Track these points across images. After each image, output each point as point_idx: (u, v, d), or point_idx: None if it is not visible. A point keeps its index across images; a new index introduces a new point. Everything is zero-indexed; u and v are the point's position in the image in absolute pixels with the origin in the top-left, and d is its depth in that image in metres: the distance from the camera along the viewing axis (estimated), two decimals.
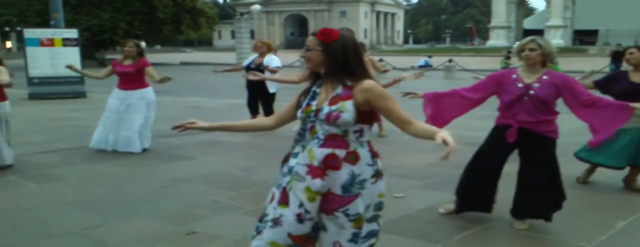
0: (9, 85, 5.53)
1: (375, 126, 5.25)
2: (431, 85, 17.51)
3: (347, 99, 2.27)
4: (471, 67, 21.89)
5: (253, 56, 8.38)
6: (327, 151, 2.29)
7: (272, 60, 8.10)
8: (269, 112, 8.35)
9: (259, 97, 8.38)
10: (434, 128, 2.27)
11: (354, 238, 2.35)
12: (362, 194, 2.32)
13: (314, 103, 2.34)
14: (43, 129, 8.59)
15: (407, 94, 3.91)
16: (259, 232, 2.44)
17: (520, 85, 3.73)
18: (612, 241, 3.74)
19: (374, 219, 2.41)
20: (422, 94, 3.91)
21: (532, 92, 3.68)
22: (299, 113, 2.38)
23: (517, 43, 3.87)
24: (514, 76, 3.78)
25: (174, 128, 2.56)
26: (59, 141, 7.52)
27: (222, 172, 5.68)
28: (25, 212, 4.38)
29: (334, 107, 2.27)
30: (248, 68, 8.21)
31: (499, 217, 4.15)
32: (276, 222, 2.34)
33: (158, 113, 7.12)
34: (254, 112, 8.56)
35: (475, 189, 3.98)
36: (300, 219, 2.30)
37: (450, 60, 21.94)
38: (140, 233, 3.86)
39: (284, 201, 2.34)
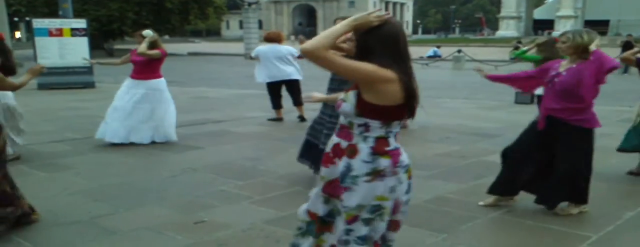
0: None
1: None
2: (440, 76, 17.53)
3: (353, 88, 2.26)
4: (480, 57, 21.78)
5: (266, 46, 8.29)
6: (336, 139, 2.33)
7: (266, 49, 8.04)
8: (297, 100, 8.25)
9: (283, 84, 8.27)
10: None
11: (347, 232, 2.29)
12: (354, 190, 2.24)
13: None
14: (52, 119, 8.66)
15: (480, 70, 4.32)
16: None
17: (553, 72, 3.86)
18: (618, 231, 3.74)
19: (366, 222, 2.28)
20: (486, 74, 4.33)
21: (556, 79, 3.80)
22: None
23: (554, 33, 4.02)
24: (557, 64, 3.93)
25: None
26: (69, 131, 7.58)
27: (230, 162, 5.72)
28: (34, 201, 4.39)
29: (342, 96, 2.31)
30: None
31: (505, 207, 4.15)
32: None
33: None
34: (277, 107, 8.47)
35: (506, 173, 4.13)
36: (316, 195, 2.47)
37: (459, 51, 21.80)
38: (148, 222, 3.90)
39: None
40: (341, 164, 2.28)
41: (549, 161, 3.96)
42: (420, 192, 4.50)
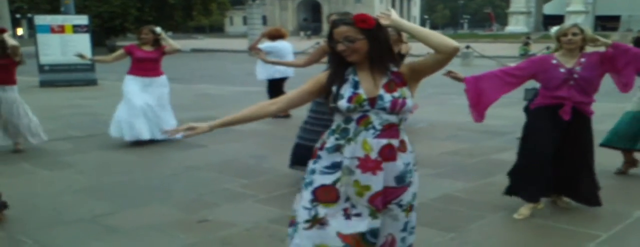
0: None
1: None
2: None
3: (403, 85, 2.18)
4: (489, 53, 21.65)
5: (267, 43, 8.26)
6: (384, 141, 2.16)
7: (281, 46, 8.00)
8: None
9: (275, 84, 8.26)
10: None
11: (405, 227, 2.30)
12: (412, 183, 2.27)
13: (362, 92, 2.15)
14: (55, 117, 8.62)
15: (449, 73, 3.84)
16: (291, 239, 2.26)
17: (562, 70, 3.73)
18: (628, 230, 3.68)
19: (415, 208, 2.35)
20: (463, 78, 3.85)
21: (576, 75, 3.71)
22: (343, 103, 2.13)
23: (556, 28, 3.83)
24: (554, 61, 3.78)
25: (164, 132, 2.38)
26: (71, 129, 7.54)
27: (234, 160, 5.67)
28: (38, 199, 4.39)
29: (396, 94, 2.15)
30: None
31: (513, 205, 4.09)
32: (321, 222, 2.17)
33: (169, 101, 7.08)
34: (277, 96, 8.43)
35: (530, 178, 3.91)
36: (346, 214, 2.17)
37: (467, 47, 21.65)
38: (151, 220, 3.86)
39: (330, 199, 2.18)
40: (400, 163, 2.21)
41: (561, 157, 3.89)
42: (427, 190, 4.45)
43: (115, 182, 4.88)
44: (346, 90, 2.16)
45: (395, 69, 2.20)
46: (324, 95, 2.24)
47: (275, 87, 8.23)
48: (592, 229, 3.67)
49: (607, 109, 7.56)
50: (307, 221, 2.18)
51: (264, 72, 8.12)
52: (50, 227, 3.76)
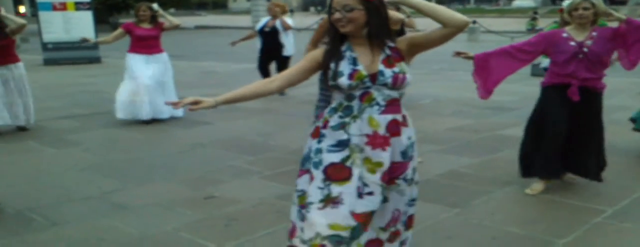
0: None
1: None
2: (454, 48, 17.09)
3: (401, 59, 2.15)
4: (496, 28, 21.42)
5: (266, 19, 8.24)
6: (389, 117, 2.14)
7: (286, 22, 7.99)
8: None
9: (274, 60, 8.27)
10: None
11: (410, 202, 2.30)
12: (414, 156, 2.26)
13: (361, 68, 2.11)
14: (60, 95, 8.63)
15: (458, 53, 3.81)
16: (303, 217, 2.19)
17: (572, 43, 3.69)
18: (633, 205, 3.68)
19: (416, 181, 2.33)
20: (473, 55, 3.80)
21: (585, 49, 3.66)
22: (344, 80, 2.09)
23: (567, 2, 3.75)
24: (565, 35, 3.74)
25: (168, 104, 2.27)
26: (76, 107, 7.55)
27: (240, 138, 5.67)
28: (45, 177, 4.42)
29: (396, 70, 2.12)
30: (261, 32, 8.09)
31: (518, 181, 4.10)
32: (334, 201, 2.12)
33: (174, 78, 7.05)
34: (266, 75, 8.46)
35: (548, 156, 3.87)
36: (359, 193, 2.14)
37: (474, 22, 21.37)
38: (159, 197, 3.88)
39: (343, 177, 2.13)
40: (404, 137, 2.19)
41: (569, 133, 3.87)
42: (433, 166, 4.46)
43: (122, 160, 4.90)
44: (345, 68, 2.11)
45: (392, 44, 2.17)
46: (322, 73, 2.19)
47: (284, 64, 8.24)
48: (598, 204, 3.67)
49: (619, 83, 7.51)
50: (321, 201, 2.14)
51: (291, 48, 8.10)
52: (59, 204, 3.79)
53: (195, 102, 2.15)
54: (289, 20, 8.07)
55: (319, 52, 2.21)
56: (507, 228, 3.30)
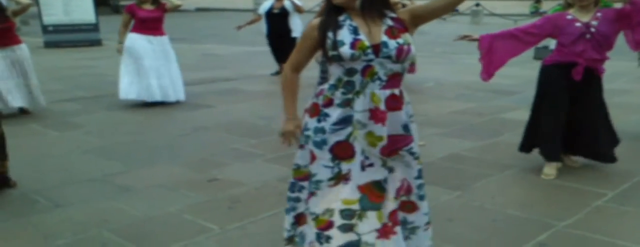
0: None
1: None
2: (457, 31, 17.00)
3: (405, 31, 2.10)
4: (499, 11, 21.24)
5: (270, 1, 8.17)
6: (388, 92, 2.09)
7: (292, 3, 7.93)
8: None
9: (282, 43, 8.16)
10: None
11: (420, 175, 2.27)
12: (414, 132, 2.23)
13: (363, 37, 2.03)
14: (61, 78, 8.63)
15: (464, 37, 3.80)
16: (311, 193, 2.20)
17: (578, 24, 3.68)
18: (634, 189, 3.70)
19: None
20: (479, 37, 3.79)
21: (592, 29, 3.66)
22: (346, 49, 2.01)
23: None
24: (569, 17, 3.73)
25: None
26: (78, 89, 7.55)
27: (242, 121, 5.68)
28: (48, 160, 4.45)
29: (401, 41, 2.04)
30: (269, 14, 8.02)
31: (519, 164, 4.12)
32: (345, 178, 2.15)
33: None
34: (281, 61, 8.39)
35: (549, 135, 3.90)
36: (362, 166, 2.15)
37: (477, 4, 21.20)
38: (162, 179, 3.90)
39: (348, 155, 2.14)
40: (403, 112, 2.16)
41: (573, 117, 3.88)
42: (435, 149, 4.48)
43: (125, 142, 4.92)
44: (345, 36, 2.03)
45: (393, 14, 2.11)
46: (321, 46, 2.12)
47: (293, 47, 8.22)
48: (599, 187, 3.69)
49: (619, 67, 7.47)
50: (331, 179, 2.15)
51: (300, 30, 8.06)
52: (63, 186, 3.82)
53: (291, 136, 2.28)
54: (297, 1, 8.00)
55: (313, 26, 2.14)
56: (508, 211, 3.33)
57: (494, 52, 3.77)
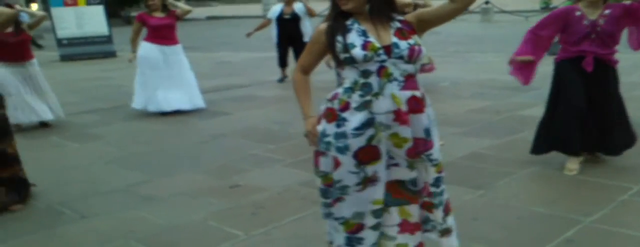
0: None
1: None
2: (467, 30, 17.07)
3: (414, 32, 2.11)
4: (510, 8, 21.11)
5: (279, 6, 8.19)
6: (408, 93, 2.07)
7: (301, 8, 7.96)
8: None
9: (291, 47, 8.22)
10: None
11: (437, 182, 2.21)
12: (436, 136, 2.20)
13: (372, 39, 2.04)
14: (78, 90, 8.72)
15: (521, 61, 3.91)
16: (337, 199, 2.18)
17: (585, 22, 3.68)
18: None
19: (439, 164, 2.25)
20: (533, 59, 3.89)
21: (598, 28, 3.66)
22: (358, 51, 2.01)
23: None
24: (578, 13, 3.71)
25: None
26: (95, 101, 7.63)
27: (258, 127, 5.70)
28: (71, 171, 4.50)
29: (411, 42, 2.05)
30: (279, 19, 8.04)
31: (541, 160, 4.08)
32: (372, 180, 2.14)
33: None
34: (283, 65, 8.47)
35: (568, 129, 3.84)
36: (387, 165, 2.15)
37: (487, 2, 21.06)
38: (184, 187, 3.93)
39: (374, 158, 2.11)
40: (424, 115, 2.14)
41: (588, 111, 3.84)
42: (455, 149, 4.46)
43: (145, 152, 4.96)
44: (355, 39, 2.04)
45: (401, 17, 2.12)
46: (330, 50, 2.13)
47: (286, 53, 8.27)
48: (623, 181, 3.65)
49: (636, 59, 7.39)
50: (358, 184, 2.14)
51: (310, 34, 8.10)
52: (87, 197, 3.86)
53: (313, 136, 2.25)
54: (299, 4, 8.03)
55: (321, 30, 2.15)
56: (533, 208, 3.30)
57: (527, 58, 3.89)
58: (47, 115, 6.02)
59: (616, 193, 3.46)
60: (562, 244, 2.82)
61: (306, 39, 7.97)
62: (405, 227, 2.24)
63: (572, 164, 3.88)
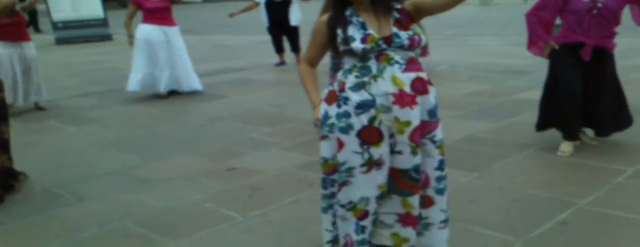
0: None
1: None
2: (466, 13, 17.02)
3: (413, 22, 2.11)
4: None
5: None
6: (412, 75, 2.08)
7: None
8: (296, 47, 8.22)
9: (283, 33, 8.20)
10: None
11: (440, 166, 2.21)
12: (440, 118, 2.19)
13: (372, 32, 2.05)
14: (74, 73, 8.70)
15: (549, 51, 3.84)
16: (343, 183, 2.17)
17: (585, 0, 3.64)
18: None
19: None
20: (556, 46, 3.80)
21: (600, 4, 3.61)
22: (358, 45, 2.03)
23: None
24: None
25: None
26: (92, 84, 7.61)
27: (256, 110, 5.70)
28: (68, 154, 4.51)
29: (411, 32, 2.07)
30: (270, 3, 7.97)
31: (536, 144, 4.10)
32: (378, 163, 2.12)
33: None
34: (280, 51, 8.43)
35: (566, 115, 3.87)
36: (392, 151, 2.14)
37: None
38: (181, 170, 3.94)
39: (376, 139, 2.10)
40: (431, 96, 2.15)
41: (586, 96, 3.85)
42: (451, 132, 4.45)
43: (142, 135, 4.97)
44: (355, 32, 2.05)
45: (399, 6, 2.12)
46: (331, 43, 2.14)
47: (295, 35, 8.21)
48: (618, 164, 3.67)
49: (633, 43, 7.38)
50: (363, 165, 2.13)
51: (298, 17, 8.02)
52: (84, 180, 3.87)
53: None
54: None
55: (322, 22, 2.16)
56: (528, 190, 3.32)
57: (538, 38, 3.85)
58: (35, 98, 5.99)
59: (611, 176, 3.48)
60: (557, 226, 2.84)
61: (293, 23, 7.93)
62: (407, 219, 2.24)
63: (566, 146, 3.91)
